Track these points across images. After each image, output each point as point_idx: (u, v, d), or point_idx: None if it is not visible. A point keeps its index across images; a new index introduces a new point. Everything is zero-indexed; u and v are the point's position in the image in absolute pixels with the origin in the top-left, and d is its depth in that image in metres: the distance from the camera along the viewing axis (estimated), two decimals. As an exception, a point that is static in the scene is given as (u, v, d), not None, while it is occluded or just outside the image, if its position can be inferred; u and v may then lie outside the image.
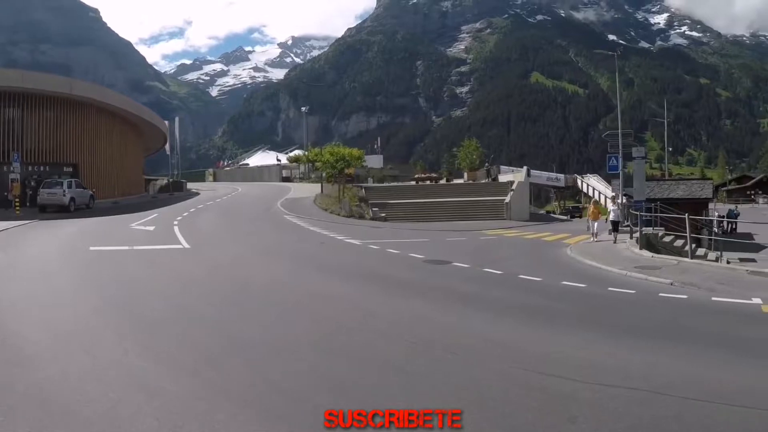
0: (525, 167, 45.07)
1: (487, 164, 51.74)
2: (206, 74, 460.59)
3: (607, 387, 5.15)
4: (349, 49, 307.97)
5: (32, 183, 32.08)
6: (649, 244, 17.73)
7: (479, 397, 4.89)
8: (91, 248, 15.75)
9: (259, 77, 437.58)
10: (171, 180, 56.62)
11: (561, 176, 64.02)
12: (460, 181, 52.02)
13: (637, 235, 17.99)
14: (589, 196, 53.28)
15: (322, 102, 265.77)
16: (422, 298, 9.80)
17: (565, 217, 43.26)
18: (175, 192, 50.34)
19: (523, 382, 5.32)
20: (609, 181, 41.84)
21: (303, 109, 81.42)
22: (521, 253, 18.66)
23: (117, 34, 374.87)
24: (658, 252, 16.86)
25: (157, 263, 13.84)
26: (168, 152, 59.45)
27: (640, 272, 12.97)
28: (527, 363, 5.91)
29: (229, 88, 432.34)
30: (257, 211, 32.70)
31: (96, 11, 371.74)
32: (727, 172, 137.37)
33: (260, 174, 73.54)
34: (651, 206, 20.62)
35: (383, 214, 33.16)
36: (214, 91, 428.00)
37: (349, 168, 41.06)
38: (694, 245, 16.81)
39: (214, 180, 78.03)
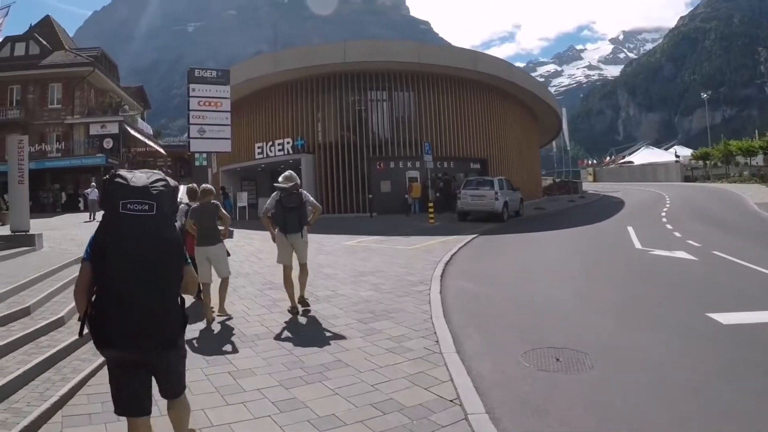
0: None
1: None
2: (540, 76, 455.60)
3: None
4: (684, 39, 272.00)
5: (439, 183, 24.50)
6: None
7: None
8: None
9: (593, 75, 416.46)
10: (561, 180, 46.93)
11: None
12: None
13: None
14: None
15: (662, 97, 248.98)
16: None
17: None
18: (575, 194, 40.13)
19: None
20: None
21: (704, 95, 66.31)
22: None
23: (449, 44, 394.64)
24: None
25: None
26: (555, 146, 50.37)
27: None
28: None
29: (565, 88, 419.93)
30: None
31: (427, 23, 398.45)
32: None
33: (653, 173, 63.48)
34: None
35: None
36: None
37: None
38: None
39: (594, 179, 68.51)
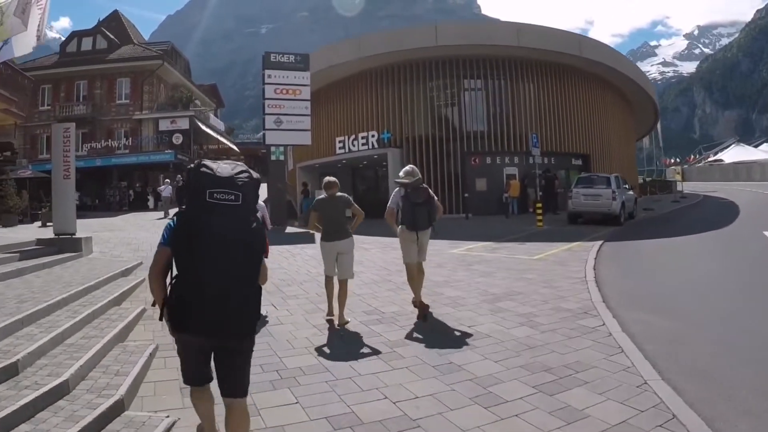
0: None
1: None
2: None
3: None
4: (762, 32, 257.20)
5: (541, 181, 21.45)
6: None
7: None
8: None
9: (668, 72, 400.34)
10: (659, 180, 43.71)
11: None
12: None
13: None
14: None
15: (739, 94, 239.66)
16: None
17: None
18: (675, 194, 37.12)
19: None
20: None
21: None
22: None
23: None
24: None
25: None
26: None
27: None
28: None
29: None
30: None
31: (496, 21, 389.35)
32: None
33: (747, 172, 59.91)
34: None
35: None
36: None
37: None
38: None
39: (683, 179, 64.61)
